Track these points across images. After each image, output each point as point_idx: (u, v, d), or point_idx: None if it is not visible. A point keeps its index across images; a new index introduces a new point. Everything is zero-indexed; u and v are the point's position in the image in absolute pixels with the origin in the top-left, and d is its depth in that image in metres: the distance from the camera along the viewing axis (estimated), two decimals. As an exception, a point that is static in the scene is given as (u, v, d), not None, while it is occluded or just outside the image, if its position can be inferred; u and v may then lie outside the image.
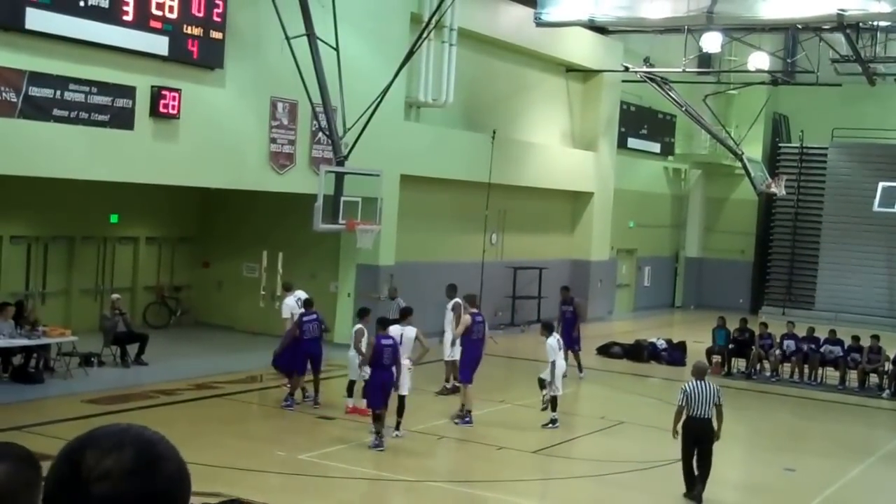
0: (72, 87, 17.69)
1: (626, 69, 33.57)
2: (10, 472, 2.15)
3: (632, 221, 38.33)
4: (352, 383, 18.07)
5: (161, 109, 19.13)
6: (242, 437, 16.11)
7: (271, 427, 17.33)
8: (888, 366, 24.82)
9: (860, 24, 27.03)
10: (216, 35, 20.12)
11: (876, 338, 25.27)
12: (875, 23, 27.62)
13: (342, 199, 21.08)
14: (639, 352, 27.57)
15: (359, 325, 17.71)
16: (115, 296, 22.33)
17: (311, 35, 20.33)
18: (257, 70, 21.50)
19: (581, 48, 33.05)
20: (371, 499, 14.57)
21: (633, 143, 37.48)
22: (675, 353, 27.35)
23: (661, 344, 28.04)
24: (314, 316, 18.71)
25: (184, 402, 18.59)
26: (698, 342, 27.53)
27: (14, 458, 2.19)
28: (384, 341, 16.12)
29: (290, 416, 18.06)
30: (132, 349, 21.29)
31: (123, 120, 18.64)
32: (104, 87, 18.25)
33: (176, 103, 19.33)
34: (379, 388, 15.89)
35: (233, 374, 21.02)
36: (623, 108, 36.27)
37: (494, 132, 28.41)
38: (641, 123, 38.13)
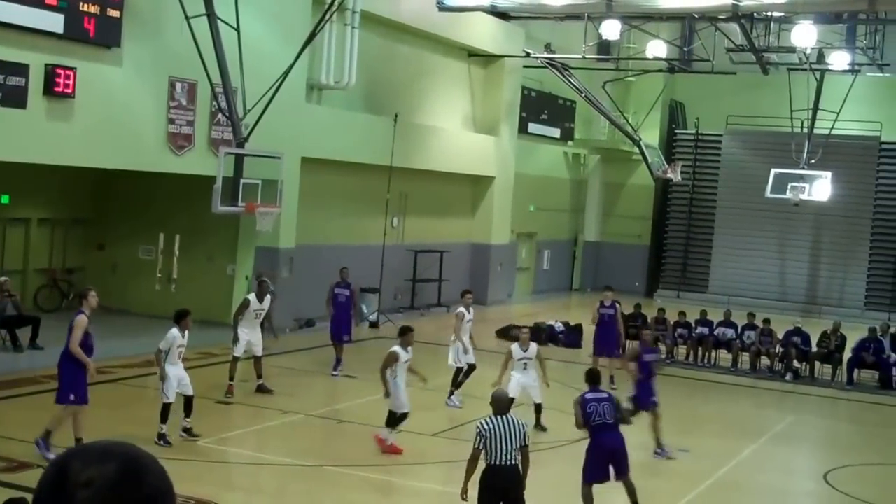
0: (-39, 63, 17.20)
1: (528, 55, 33.81)
2: None
3: (532, 205, 38.67)
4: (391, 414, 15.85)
5: (55, 88, 18.68)
6: (137, 423, 15.87)
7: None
8: (778, 348, 25.56)
9: (754, 14, 27.61)
10: (113, 13, 19.71)
11: (767, 321, 25.97)
12: (769, 13, 28.23)
13: (242, 181, 20.86)
14: (537, 334, 27.83)
15: (394, 348, 15.95)
16: (2, 278, 21.78)
17: (211, 15, 20.03)
18: (156, 49, 21.13)
19: (483, 33, 33.17)
20: (269, 484, 14.51)
21: (533, 128, 37.76)
22: (572, 336, 27.72)
23: (559, 327, 28.39)
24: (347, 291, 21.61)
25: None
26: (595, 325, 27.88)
27: None
28: None
29: (188, 400, 17.84)
30: (23, 333, 20.80)
31: (16, 98, 18.15)
32: (-5, 65, 17.76)
33: (71, 82, 18.89)
34: None
35: (127, 358, 20.68)
36: (524, 93, 36.51)
37: (396, 115, 28.38)
38: (542, 109, 38.44)
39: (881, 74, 37.01)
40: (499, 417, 10.82)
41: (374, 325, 27.85)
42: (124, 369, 19.84)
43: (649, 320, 26.68)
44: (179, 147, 22.07)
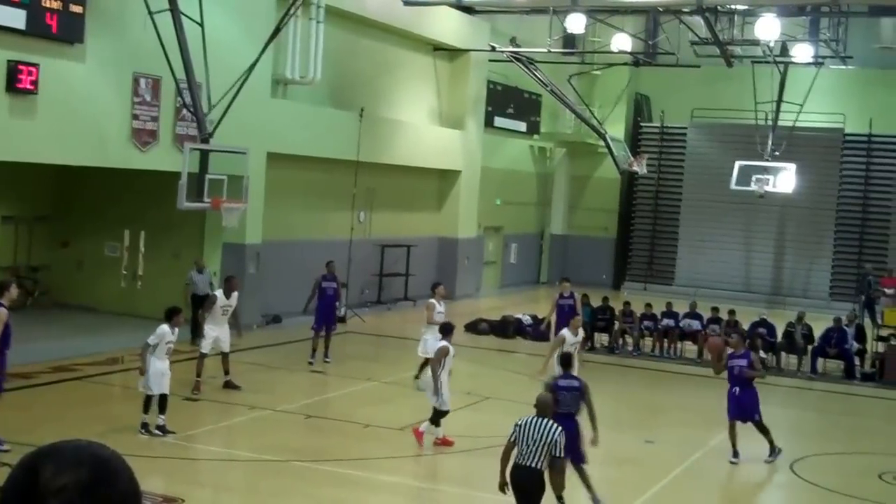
0: (-79, 60, 17.01)
1: (493, 49, 33.83)
2: None
3: (498, 199, 38.73)
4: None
5: (18, 85, 18.51)
6: (104, 421, 15.82)
7: (134, 409, 17.01)
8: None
9: (718, 7, 27.75)
10: (76, 9, 19.55)
11: (732, 312, 26.17)
12: (733, 6, 28.38)
13: (207, 177, 20.76)
14: (505, 328, 27.96)
15: (443, 343, 16.10)
16: (-32, 276, 21.61)
17: (174, 10, 19.90)
18: (119, 45, 20.98)
19: (448, 27, 33.17)
20: (238, 480, 14.48)
21: (499, 121, 37.82)
22: (540, 329, 27.78)
23: (527, 320, 28.48)
24: (334, 283, 21.97)
25: (42, 385, 18.15)
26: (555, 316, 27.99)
27: None
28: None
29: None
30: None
31: (-23, 95, 18.00)
32: (-44, 61, 17.59)
33: (34, 78, 18.73)
34: None
35: (93, 355, 20.58)
36: (490, 87, 36.56)
37: (362, 110, 28.35)
38: (508, 102, 38.50)
39: (844, 67, 37.38)
40: (537, 419, 10.84)
41: (341, 319, 27.78)
42: (91, 366, 19.73)
43: (616, 312, 26.85)
44: (144, 143, 21.94)
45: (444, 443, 15.92)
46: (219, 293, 18.84)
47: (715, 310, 26.47)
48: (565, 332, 18.51)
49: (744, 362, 16.49)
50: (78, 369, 19.41)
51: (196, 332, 20.35)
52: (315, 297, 22.06)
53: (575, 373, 17.40)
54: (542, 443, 10.64)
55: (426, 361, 19.47)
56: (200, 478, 14.41)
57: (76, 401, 17.37)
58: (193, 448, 15.43)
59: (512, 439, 10.79)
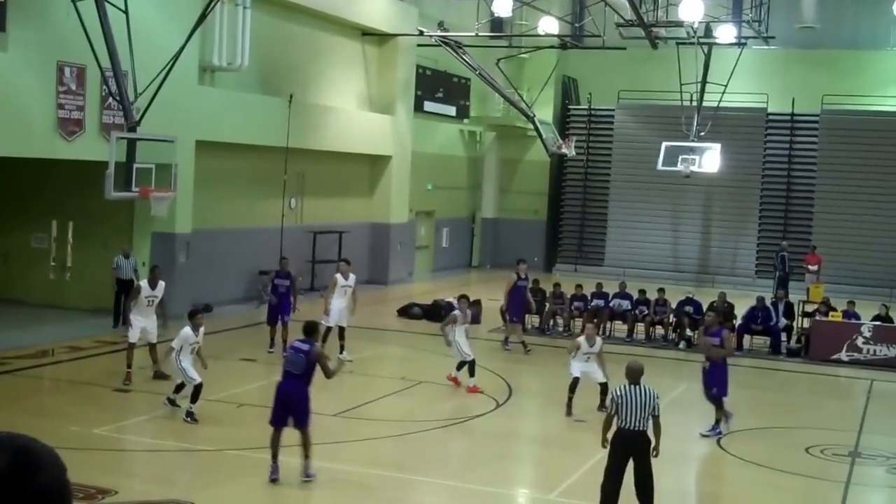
0: None
1: (421, 33, 33.86)
2: None
3: (430, 184, 38.83)
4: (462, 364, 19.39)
5: (-63, 75, 18.24)
6: (34, 414, 15.69)
7: (64, 402, 16.93)
8: (672, 317, 26.19)
9: (643, -10, 28.06)
10: (-4, -3, 19.28)
11: (661, 291, 26.59)
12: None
13: (135, 165, 20.62)
14: (437, 312, 28.07)
15: (456, 312, 19.93)
16: None
17: (97, -3, 19.71)
18: (42, 34, 20.71)
19: (376, 12, 33.14)
20: (170, 471, 14.45)
21: (429, 106, 37.88)
22: (471, 312, 27.94)
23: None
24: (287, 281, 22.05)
25: (-29, 379, 17.93)
26: (494, 300, 28.11)
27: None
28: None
29: (84, 390, 17.69)
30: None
31: None
32: None
33: (-47, 68, 18.46)
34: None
35: (22, 348, 20.36)
36: (419, 71, 36.59)
37: (291, 96, 28.26)
38: (437, 87, 38.57)
39: (766, 47, 37.96)
40: (632, 387, 11.81)
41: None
42: (20, 360, 19.52)
43: (547, 294, 27.11)
44: (70, 133, 21.69)
45: (473, 390, 18.70)
46: (144, 283, 18.79)
47: (642, 292, 26.84)
48: (581, 339, 18.00)
49: (716, 340, 17.18)
50: (7, 363, 19.18)
51: (120, 319, 20.51)
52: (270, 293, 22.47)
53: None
54: (644, 407, 11.66)
55: (328, 330, 20.57)
56: (133, 469, 14.37)
57: (5, 395, 17.19)
58: (125, 439, 15.36)
59: (613, 411, 11.79)
